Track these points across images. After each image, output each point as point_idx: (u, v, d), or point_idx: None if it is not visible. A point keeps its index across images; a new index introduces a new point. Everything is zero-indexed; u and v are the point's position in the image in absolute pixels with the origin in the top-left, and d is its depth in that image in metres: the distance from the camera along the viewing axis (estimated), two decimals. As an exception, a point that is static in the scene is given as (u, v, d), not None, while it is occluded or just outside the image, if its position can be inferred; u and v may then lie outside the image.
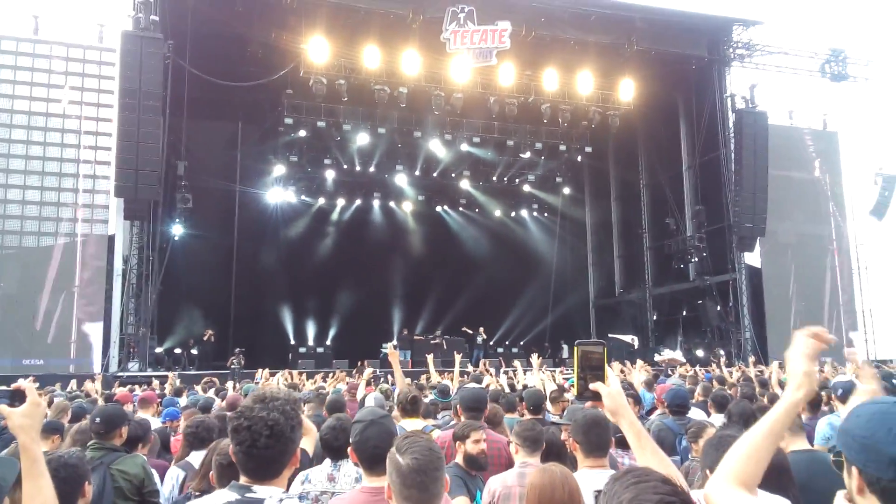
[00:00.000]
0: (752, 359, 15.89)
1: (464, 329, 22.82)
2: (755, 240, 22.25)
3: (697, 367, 15.99)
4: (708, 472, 3.03)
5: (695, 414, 6.02)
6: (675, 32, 22.32)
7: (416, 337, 22.11)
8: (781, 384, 7.96)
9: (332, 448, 3.59)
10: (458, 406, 4.86)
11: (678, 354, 21.30)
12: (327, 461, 3.58)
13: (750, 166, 21.45)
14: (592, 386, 2.07)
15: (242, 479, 2.05)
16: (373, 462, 2.70)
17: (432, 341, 21.88)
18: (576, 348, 2.15)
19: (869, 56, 24.02)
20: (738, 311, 22.20)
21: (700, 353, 22.37)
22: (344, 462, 3.52)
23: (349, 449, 2.85)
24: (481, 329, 22.81)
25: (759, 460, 1.76)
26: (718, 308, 22.85)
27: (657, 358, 20.74)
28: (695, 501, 1.53)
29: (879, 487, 1.40)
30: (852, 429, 1.49)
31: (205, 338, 20.24)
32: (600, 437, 3.39)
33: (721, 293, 22.97)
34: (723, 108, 22.87)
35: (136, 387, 11.38)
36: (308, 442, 3.86)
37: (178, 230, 21.50)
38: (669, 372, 14.71)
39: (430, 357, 9.04)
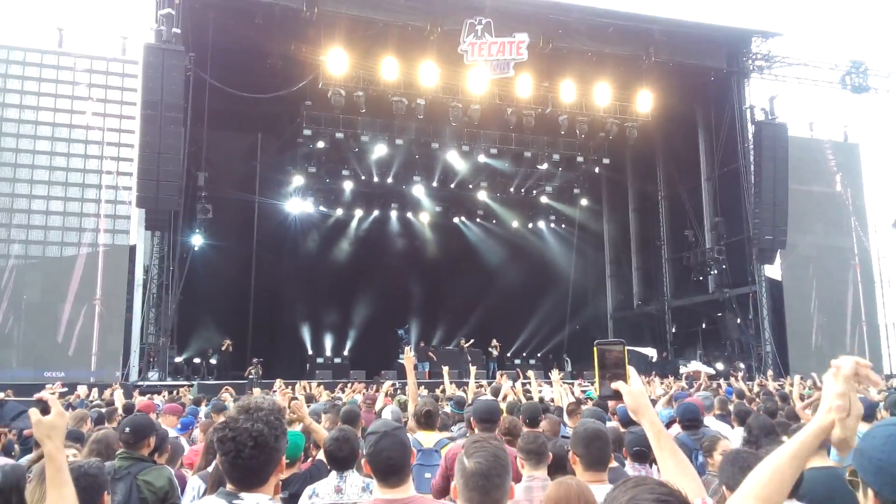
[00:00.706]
0: (769, 373, 15.66)
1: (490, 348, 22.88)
2: (775, 252, 22.04)
3: (721, 380, 15.78)
4: (724, 487, 3.01)
5: (716, 426, 5.96)
6: (694, 44, 22.25)
7: (429, 354, 21.97)
8: (802, 398, 7.87)
9: (337, 459, 3.61)
10: (471, 418, 4.85)
11: (704, 366, 20.87)
12: (333, 473, 3.60)
13: (770, 178, 21.30)
14: (613, 385, 2.06)
15: (229, 487, 2.09)
16: (386, 473, 2.70)
17: (464, 345, 21.98)
18: (595, 348, 2.14)
19: (890, 68, 23.82)
20: (759, 324, 21.96)
21: (720, 366, 22.12)
22: (350, 473, 3.55)
23: (363, 461, 2.85)
24: (493, 341, 22.75)
25: (782, 483, 1.70)
26: (738, 321, 22.60)
27: (682, 370, 20.39)
28: (692, 503, 1.53)
29: None
30: (868, 450, 1.47)
31: (223, 348, 20.36)
32: (601, 451, 3.35)
33: (741, 306, 22.74)
34: (742, 119, 22.73)
35: (156, 395, 11.47)
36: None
37: (197, 240, 21.71)
38: (693, 384, 14.52)
39: (445, 369, 9.03)
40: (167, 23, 17.60)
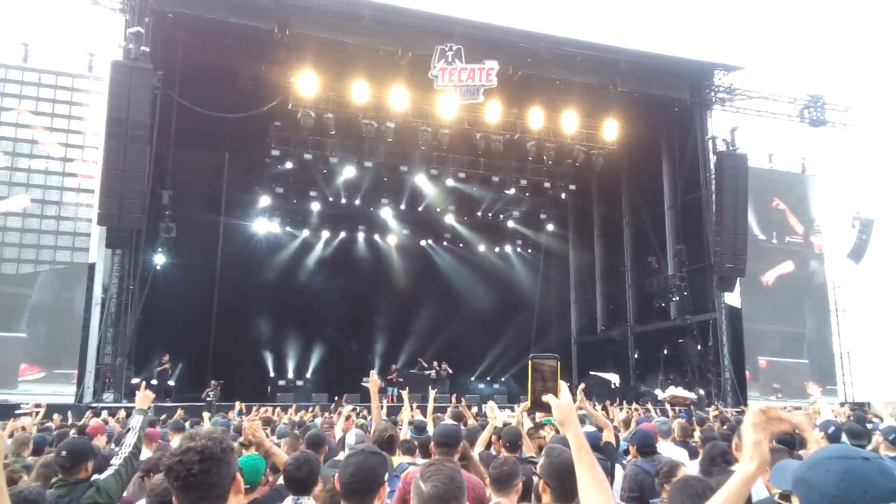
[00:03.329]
0: (712, 407, 15.78)
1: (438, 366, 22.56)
2: (735, 280, 22.45)
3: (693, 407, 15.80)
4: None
5: (673, 452, 6.03)
6: (659, 75, 22.76)
7: (389, 378, 21.67)
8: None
9: (294, 480, 3.56)
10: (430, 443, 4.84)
11: (683, 391, 20.22)
12: (289, 499, 3.55)
13: (731, 207, 21.75)
14: (544, 398, 2.14)
15: None
16: (348, 494, 2.70)
17: (430, 370, 21.80)
18: (529, 361, 2.22)
19: (847, 102, 24.56)
20: (718, 350, 22.28)
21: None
22: (305, 499, 3.51)
23: (335, 478, 2.85)
24: (443, 364, 22.62)
25: None
26: (699, 347, 22.90)
27: (660, 396, 19.92)
28: None
29: None
30: (821, 485, 1.43)
31: (162, 365, 19.59)
32: (573, 486, 3.37)
33: (702, 332, 23.07)
34: (704, 149, 23.22)
35: (111, 417, 11.20)
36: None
37: (160, 259, 21.36)
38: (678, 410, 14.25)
39: (404, 392, 8.96)
40: (136, 41, 17.40)
